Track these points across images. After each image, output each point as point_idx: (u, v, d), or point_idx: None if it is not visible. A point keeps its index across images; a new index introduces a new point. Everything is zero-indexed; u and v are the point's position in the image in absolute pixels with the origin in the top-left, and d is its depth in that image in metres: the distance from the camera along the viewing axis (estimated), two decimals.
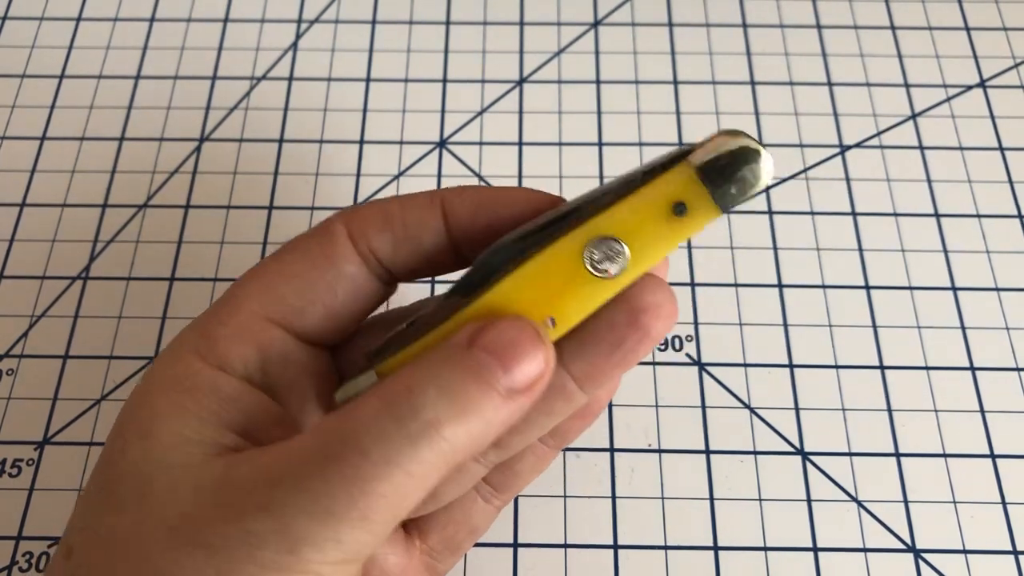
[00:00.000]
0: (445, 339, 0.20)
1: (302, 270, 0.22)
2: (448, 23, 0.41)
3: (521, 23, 0.41)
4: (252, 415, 0.21)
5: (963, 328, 0.33)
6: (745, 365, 0.33)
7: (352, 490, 0.18)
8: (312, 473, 0.18)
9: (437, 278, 0.34)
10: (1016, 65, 0.39)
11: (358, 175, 0.37)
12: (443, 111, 0.39)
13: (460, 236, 0.23)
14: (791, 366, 0.33)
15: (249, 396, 0.21)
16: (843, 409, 0.32)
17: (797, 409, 0.32)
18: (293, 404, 0.22)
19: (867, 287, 0.34)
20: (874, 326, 0.33)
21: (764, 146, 0.21)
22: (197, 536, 0.18)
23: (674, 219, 0.21)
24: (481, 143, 0.38)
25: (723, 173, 0.21)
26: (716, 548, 0.30)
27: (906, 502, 0.30)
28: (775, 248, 0.35)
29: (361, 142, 0.38)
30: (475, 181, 0.37)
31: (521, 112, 0.38)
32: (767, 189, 0.20)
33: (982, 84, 0.39)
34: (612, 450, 0.31)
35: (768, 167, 0.21)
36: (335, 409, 0.21)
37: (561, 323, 0.21)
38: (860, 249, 0.35)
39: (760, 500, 0.30)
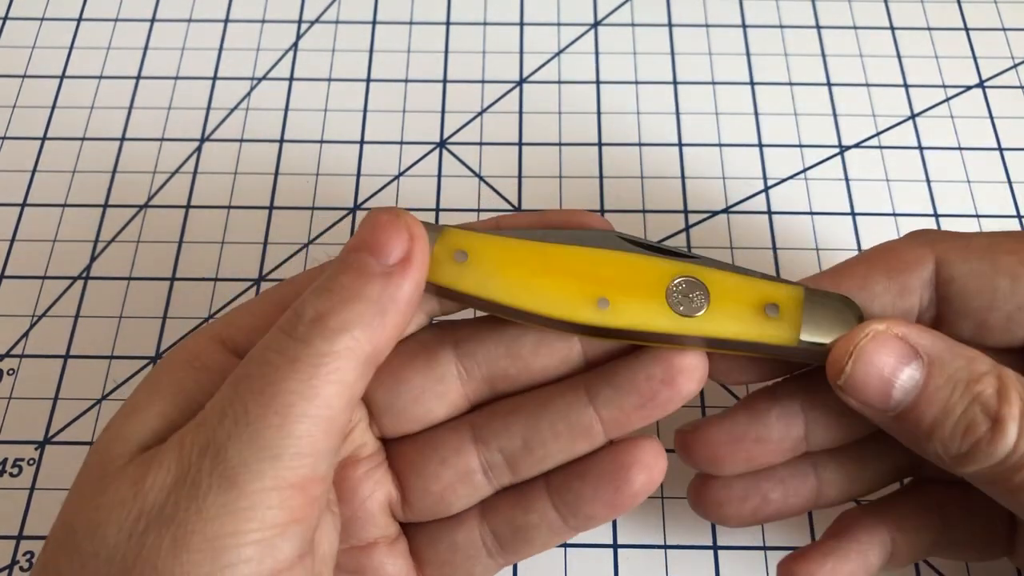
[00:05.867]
0: (513, 244, 0.23)
1: None
2: (448, 23, 0.41)
3: (521, 23, 0.41)
4: None
5: None
6: None
7: (260, 396, 0.19)
8: (229, 399, 0.19)
9: None
10: (1015, 65, 0.40)
11: (358, 175, 0.37)
12: (443, 111, 0.39)
13: None
14: None
15: None
16: None
17: None
18: None
19: None
20: None
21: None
22: (151, 512, 0.18)
23: (762, 314, 0.22)
24: (481, 143, 0.38)
25: (821, 324, 0.23)
26: (716, 548, 0.30)
27: None
28: (774, 248, 0.35)
29: (361, 142, 0.38)
30: (475, 181, 0.37)
31: (521, 112, 0.39)
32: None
33: (981, 84, 0.39)
34: None
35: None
36: None
37: (611, 312, 0.22)
38: (859, 249, 0.35)
39: None
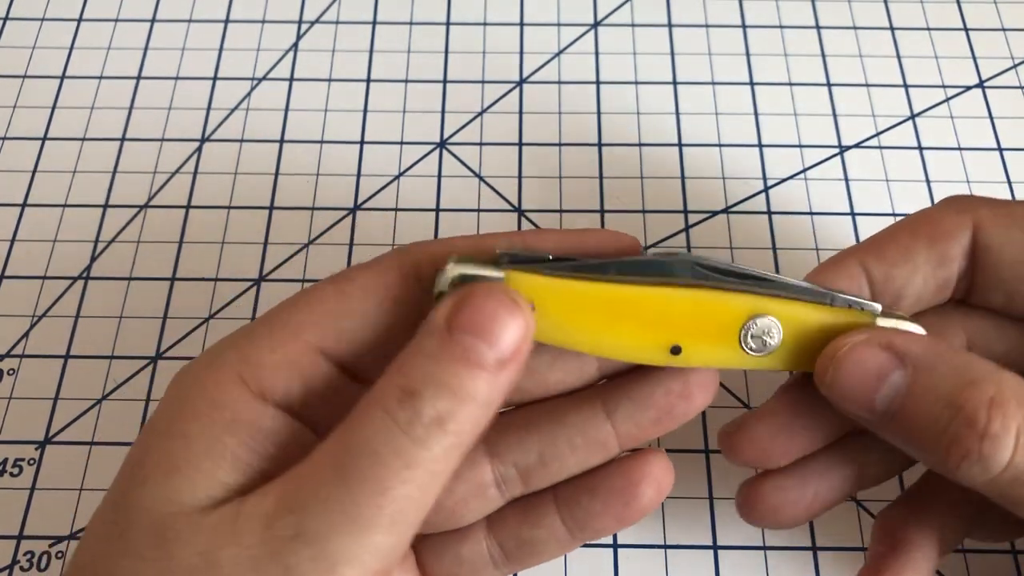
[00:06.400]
0: (582, 289, 0.21)
1: (365, 308, 0.21)
2: (448, 23, 0.41)
3: (521, 23, 0.41)
4: (289, 448, 0.20)
5: None
6: None
7: (378, 499, 0.18)
8: (335, 494, 0.18)
9: None
10: (1015, 66, 0.40)
11: (358, 175, 0.37)
12: (443, 111, 0.39)
13: None
14: None
15: (288, 429, 0.20)
16: None
17: None
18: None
19: None
20: None
21: None
22: None
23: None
24: (481, 143, 0.38)
25: None
26: (716, 548, 0.30)
27: None
28: (774, 248, 0.35)
29: (361, 142, 0.38)
30: (475, 181, 0.37)
31: (521, 112, 0.39)
32: None
33: (981, 85, 0.39)
34: None
35: None
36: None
37: (685, 355, 0.22)
38: None
39: None
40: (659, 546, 0.30)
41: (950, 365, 0.21)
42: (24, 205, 0.36)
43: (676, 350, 0.22)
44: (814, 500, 0.25)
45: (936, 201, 0.36)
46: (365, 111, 0.39)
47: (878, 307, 0.23)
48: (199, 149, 0.38)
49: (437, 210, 0.36)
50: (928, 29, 0.41)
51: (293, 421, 0.21)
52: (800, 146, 0.37)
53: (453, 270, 0.21)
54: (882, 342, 0.22)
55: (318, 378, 0.21)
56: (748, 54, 0.40)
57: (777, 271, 0.34)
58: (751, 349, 0.22)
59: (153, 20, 0.41)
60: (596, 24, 0.41)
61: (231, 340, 0.21)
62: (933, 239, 0.24)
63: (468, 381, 0.19)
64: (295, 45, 0.40)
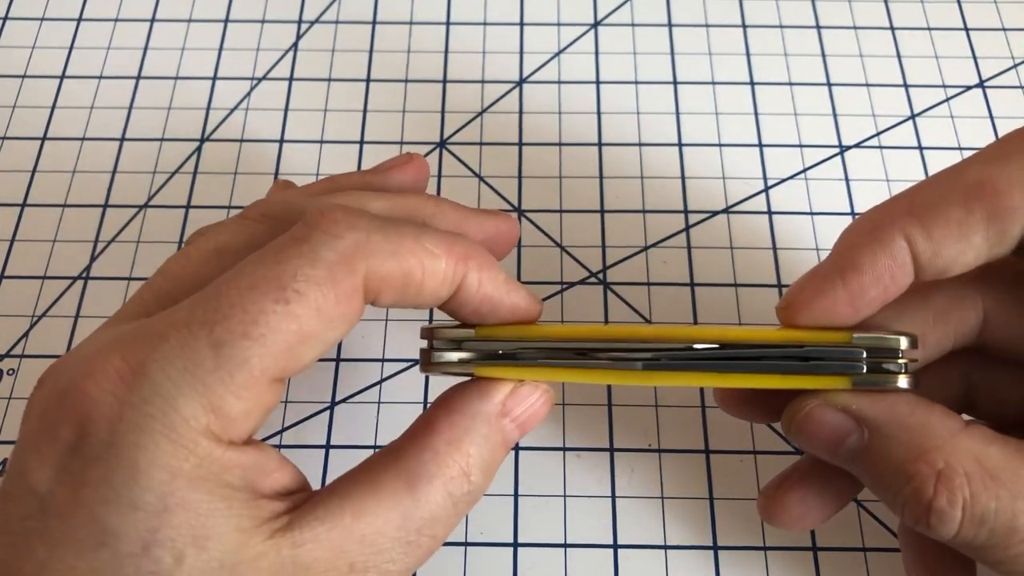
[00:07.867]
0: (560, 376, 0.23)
1: (318, 329, 0.20)
2: (448, 23, 0.41)
3: (521, 23, 0.41)
4: (267, 471, 0.21)
5: None
6: None
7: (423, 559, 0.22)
8: (393, 558, 0.21)
9: None
10: (1015, 65, 0.40)
11: None
12: (443, 111, 0.39)
13: (450, 310, 0.23)
14: None
15: (260, 456, 0.21)
16: None
17: None
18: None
19: None
20: None
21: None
22: None
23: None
24: (481, 143, 0.38)
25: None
26: (716, 548, 0.30)
27: None
28: (774, 248, 0.35)
29: (361, 142, 0.38)
30: (475, 181, 0.37)
31: (521, 112, 0.39)
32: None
33: (981, 84, 0.39)
34: (612, 450, 0.31)
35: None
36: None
37: None
38: None
39: None
40: (659, 546, 0.30)
41: (906, 430, 0.21)
42: (24, 205, 0.36)
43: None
44: (837, 500, 0.25)
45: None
46: (365, 111, 0.39)
47: (863, 368, 0.22)
48: (199, 149, 0.38)
49: None
50: (928, 29, 0.41)
51: (261, 447, 0.21)
52: (800, 146, 0.37)
53: (437, 359, 0.23)
54: (839, 404, 0.22)
55: (273, 403, 0.21)
56: (748, 54, 0.40)
57: (777, 271, 0.34)
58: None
59: (153, 20, 0.41)
60: (596, 24, 0.41)
61: (188, 383, 0.19)
62: (993, 216, 0.20)
63: (501, 459, 0.23)
64: (295, 45, 0.40)
